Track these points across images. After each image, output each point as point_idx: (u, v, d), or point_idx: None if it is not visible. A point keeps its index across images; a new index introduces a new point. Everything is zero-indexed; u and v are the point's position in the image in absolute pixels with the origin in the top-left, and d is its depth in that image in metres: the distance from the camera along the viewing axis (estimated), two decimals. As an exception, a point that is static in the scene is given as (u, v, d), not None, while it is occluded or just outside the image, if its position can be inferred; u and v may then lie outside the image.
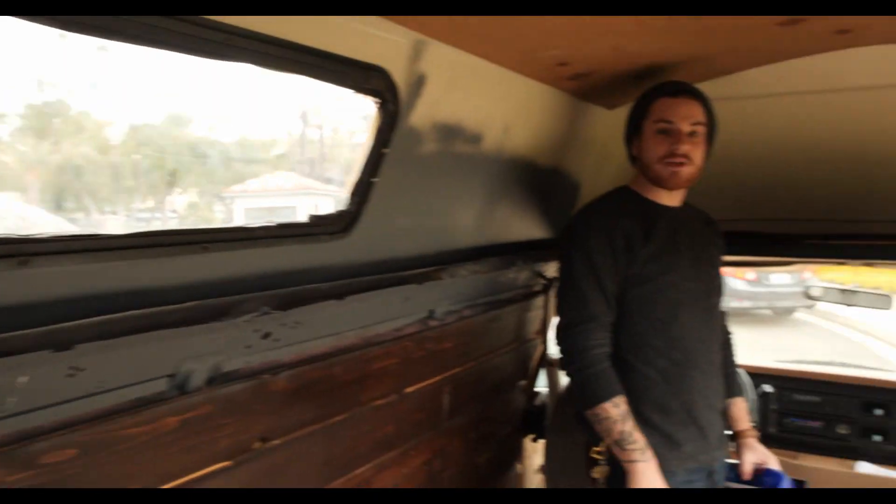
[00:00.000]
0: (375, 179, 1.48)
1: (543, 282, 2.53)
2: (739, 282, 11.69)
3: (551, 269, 2.53)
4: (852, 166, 2.41)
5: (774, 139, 2.39)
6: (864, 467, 3.01)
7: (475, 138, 1.79)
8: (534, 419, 2.71)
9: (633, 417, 1.79)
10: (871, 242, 2.40)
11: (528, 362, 2.68)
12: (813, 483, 3.08)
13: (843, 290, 3.00)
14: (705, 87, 1.99)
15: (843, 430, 3.12)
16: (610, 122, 2.44)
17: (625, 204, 1.94)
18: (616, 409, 1.77)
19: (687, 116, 1.86)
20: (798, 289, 12.28)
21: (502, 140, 1.91)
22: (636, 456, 1.77)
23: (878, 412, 3.05)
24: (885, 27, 1.81)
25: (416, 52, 1.45)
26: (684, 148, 1.84)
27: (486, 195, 1.98)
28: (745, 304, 11.94)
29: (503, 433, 2.57)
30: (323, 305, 1.44)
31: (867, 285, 11.93)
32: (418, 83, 1.50)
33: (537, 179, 2.23)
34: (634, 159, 1.99)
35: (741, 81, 2.20)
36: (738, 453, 2.09)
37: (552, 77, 1.88)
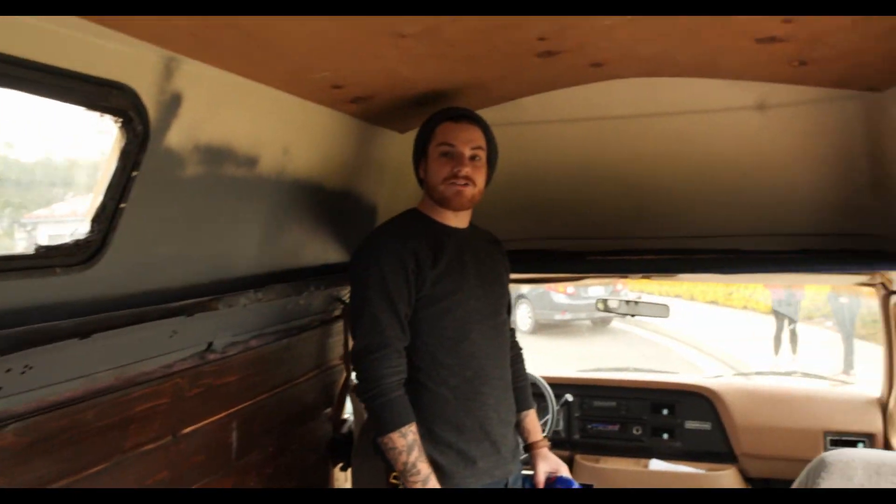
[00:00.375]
0: (123, 205, 1.37)
1: (343, 306, 2.50)
2: (561, 295, 12.44)
3: (348, 294, 2.51)
4: (622, 188, 2.63)
5: (552, 163, 2.56)
6: (656, 464, 3.28)
7: (250, 161, 1.72)
8: (341, 447, 2.65)
9: (419, 447, 1.80)
10: (644, 258, 2.63)
11: (332, 389, 2.63)
12: (612, 481, 3.31)
13: (628, 302, 3.27)
14: (486, 113, 2.09)
15: (636, 431, 3.38)
16: (403, 145, 2.48)
17: (413, 226, 1.96)
18: (403, 440, 1.78)
19: (468, 141, 1.94)
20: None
21: (283, 162, 1.86)
22: (416, 487, 1.79)
23: (665, 412, 3.34)
24: (632, 63, 2.01)
25: (168, 70, 1.37)
26: (466, 170, 1.92)
27: (269, 219, 1.91)
28: (567, 316, 12.72)
29: (308, 464, 2.49)
30: (62, 345, 1.29)
31: (672, 295, 13.13)
32: (173, 103, 1.41)
33: (329, 202, 2.20)
34: (422, 182, 2.03)
35: (518, 109, 2.33)
36: (532, 464, 2.17)
37: (331, 99, 1.87)
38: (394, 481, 1.88)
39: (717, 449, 3.23)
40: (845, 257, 2.34)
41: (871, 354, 9.95)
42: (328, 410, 2.60)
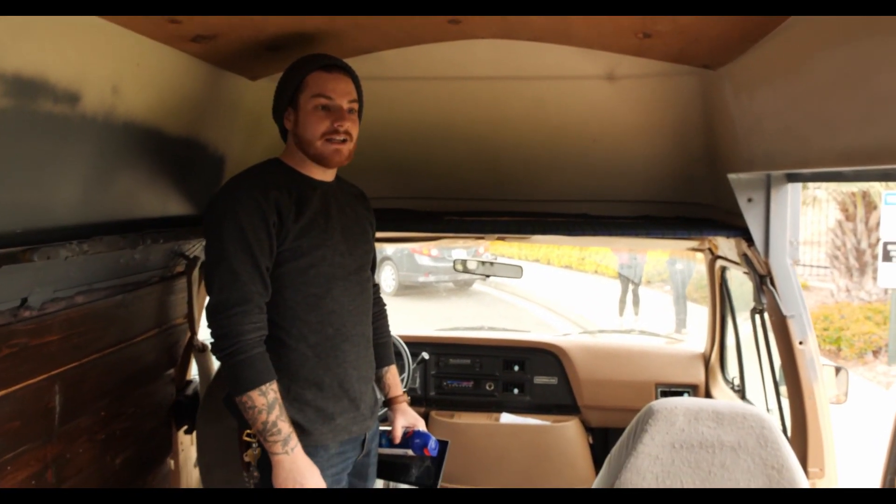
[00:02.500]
0: None
1: (186, 262, 2.35)
2: (424, 258, 12.61)
3: (195, 248, 2.36)
4: (481, 150, 2.66)
5: (412, 121, 2.53)
6: (506, 417, 3.43)
7: (70, 97, 1.54)
8: (185, 410, 2.52)
9: (280, 405, 1.75)
10: (500, 219, 2.68)
11: (175, 349, 2.48)
12: (466, 435, 3.43)
13: (483, 263, 3.35)
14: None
15: (489, 386, 3.51)
16: (256, 93, 2.35)
17: (275, 176, 1.86)
18: (263, 399, 1.72)
19: (345, 93, 1.87)
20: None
21: (112, 102, 1.69)
22: (278, 448, 1.74)
23: (516, 368, 3.48)
24: (489, 22, 2.00)
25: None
26: (346, 125, 1.85)
27: (97, 164, 1.74)
28: (430, 278, 12.93)
29: (147, 428, 2.35)
30: None
31: (531, 259, 13.70)
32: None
33: (169, 150, 2.03)
34: (285, 133, 1.93)
35: (378, 62, 2.27)
36: (390, 419, 2.19)
37: (168, 36, 1.71)
38: (247, 439, 1.82)
39: (562, 402, 3.42)
40: (680, 224, 2.52)
41: (703, 315, 10.98)
42: (171, 371, 2.45)
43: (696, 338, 8.67)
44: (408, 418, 2.19)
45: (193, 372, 2.63)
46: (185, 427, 2.56)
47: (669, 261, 10.49)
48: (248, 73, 2.23)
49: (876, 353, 8.39)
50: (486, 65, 2.35)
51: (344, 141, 1.85)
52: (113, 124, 1.72)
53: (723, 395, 3.13)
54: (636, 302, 10.78)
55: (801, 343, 2.15)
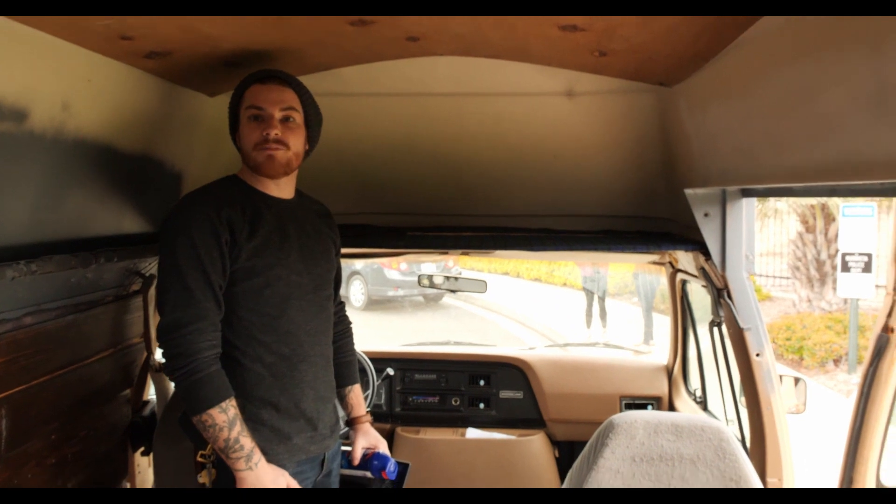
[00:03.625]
0: None
1: (142, 280, 2.30)
2: (394, 272, 12.57)
3: (151, 266, 2.32)
4: (443, 166, 2.67)
5: (374, 137, 2.53)
6: (472, 432, 3.41)
7: (16, 114, 1.51)
8: (141, 431, 2.46)
9: (241, 421, 1.72)
10: (463, 234, 2.69)
11: (131, 369, 2.42)
12: (431, 451, 3.40)
13: (448, 278, 3.35)
14: (304, 80, 1.97)
15: (455, 401, 3.49)
16: (215, 109, 2.32)
17: (229, 193, 1.84)
18: (223, 416, 1.69)
19: (277, 102, 1.84)
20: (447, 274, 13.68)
21: (62, 119, 1.66)
22: (241, 464, 1.71)
23: (482, 383, 3.48)
24: (447, 40, 2.02)
25: None
26: (275, 132, 1.81)
27: (46, 182, 1.70)
28: (400, 292, 12.89)
29: (101, 451, 2.28)
30: None
31: (500, 272, 13.73)
32: None
33: (124, 167, 2.00)
34: (239, 149, 1.91)
35: (339, 79, 2.27)
36: (352, 439, 2.15)
37: (120, 52, 1.69)
38: (202, 459, 1.79)
39: (528, 416, 3.42)
40: (640, 238, 2.55)
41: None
42: (126, 392, 2.39)
43: (663, 350, 8.80)
44: (369, 439, 2.15)
45: (151, 392, 2.57)
46: (142, 449, 2.50)
47: (635, 273, 10.62)
48: (207, 89, 2.21)
49: (836, 361, 8.58)
50: (447, 81, 2.36)
51: (276, 149, 1.82)
52: (63, 141, 1.69)
53: (685, 407, 3.17)
54: (603, 314, 10.87)
55: (757, 355, 2.18)
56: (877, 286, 8.07)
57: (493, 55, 2.17)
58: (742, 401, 2.69)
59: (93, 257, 1.87)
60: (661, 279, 10.62)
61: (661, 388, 3.32)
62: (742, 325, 2.18)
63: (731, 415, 2.59)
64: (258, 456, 1.73)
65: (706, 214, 2.20)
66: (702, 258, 2.24)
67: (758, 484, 1.86)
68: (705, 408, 3.02)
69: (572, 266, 14.43)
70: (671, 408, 3.31)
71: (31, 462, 1.91)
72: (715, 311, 2.24)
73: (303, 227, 1.95)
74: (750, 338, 2.18)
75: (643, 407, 3.33)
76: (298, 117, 1.88)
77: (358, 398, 2.21)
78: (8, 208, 1.61)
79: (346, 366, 2.19)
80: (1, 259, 1.57)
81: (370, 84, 2.36)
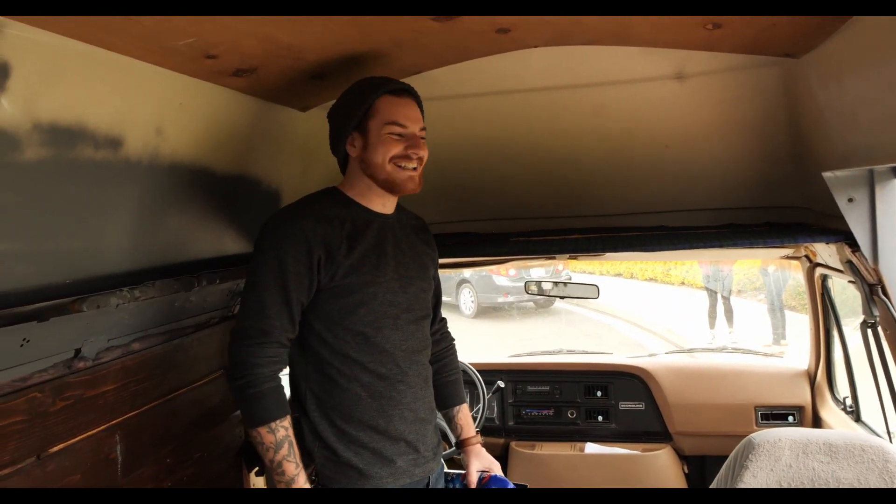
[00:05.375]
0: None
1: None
2: (503, 278, 12.42)
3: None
4: (541, 165, 2.51)
5: (467, 140, 2.42)
6: (591, 447, 3.21)
7: (112, 142, 1.51)
8: (255, 452, 2.46)
9: (290, 444, 1.67)
10: (570, 237, 2.52)
11: (241, 390, 2.43)
12: (549, 467, 3.23)
13: (556, 283, 3.17)
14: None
15: (571, 414, 3.31)
16: (307, 124, 2.30)
17: (329, 208, 1.78)
18: (271, 436, 1.66)
19: (416, 120, 1.80)
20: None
21: (156, 143, 1.66)
22: (281, 488, 1.68)
23: (599, 394, 3.27)
24: (540, 28, 1.87)
25: (-12, 35, 1.16)
26: (421, 152, 1.78)
27: (144, 208, 1.71)
28: (510, 298, 12.71)
29: (216, 472, 2.30)
30: None
31: (613, 273, 13.25)
32: (-2, 73, 1.20)
33: (221, 188, 2.00)
34: (344, 161, 1.85)
35: (428, 83, 2.16)
36: (464, 462, 2.05)
37: (208, 72, 1.67)
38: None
39: (651, 428, 3.19)
40: (769, 231, 2.28)
41: (803, 325, 10.27)
42: (238, 412, 2.40)
43: (797, 351, 8.09)
44: (482, 461, 2.04)
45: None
46: (257, 469, 2.50)
47: (762, 268, 9.88)
48: (297, 103, 2.19)
49: None
50: (541, 75, 2.22)
51: (416, 168, 1.78)
52: (158, 166, 1.69)
53: (834, 418, 2.82)
54: (728, 314, 10.18)
55: None
56: None
57: (590, 41, 1.99)
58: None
59: (195, 280, 1.87)
60: (790, 272, 9.82)
61: (803, 397, 2.98)
62: (902, 324, 1.87)
63: (893, 427, 2.25)
64: (301, 483, 1.67)
65: (850, 200, 1.91)
66: (848, 250, 1.95)
67: None
68: (858, 419, 2.66)
69: (691, 264, 13.69)
70: (815, 418, 2.96)
71: (148, 487, 1.93)
72: (867, 310, 1.94)
73: (400, 245, 1.87)
74: (913, 339, 1.87)
75: (783, 417, 3.00)
76: (425, 135, 1.84)
77: (466, 418, 2.10)
78: (109, 235, 1.63)
79: (451, 385, 2.09)
80: (105, 287, 1.58)
81: (461, 85, 2.24)
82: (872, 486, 1.61)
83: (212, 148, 1.88)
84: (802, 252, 2.65)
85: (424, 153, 1.79)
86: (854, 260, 1.95)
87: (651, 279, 15.86)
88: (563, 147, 2.46)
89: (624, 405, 3.23)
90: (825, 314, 2.78)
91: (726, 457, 3.15)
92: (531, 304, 13.83)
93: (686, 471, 3.15)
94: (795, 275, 11.10)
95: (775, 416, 3.01)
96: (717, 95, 2.19)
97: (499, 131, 2.43)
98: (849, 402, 2.70)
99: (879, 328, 1.95)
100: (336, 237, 1.72)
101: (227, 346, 1.69)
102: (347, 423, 1.75)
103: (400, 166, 1.76)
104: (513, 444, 3.34)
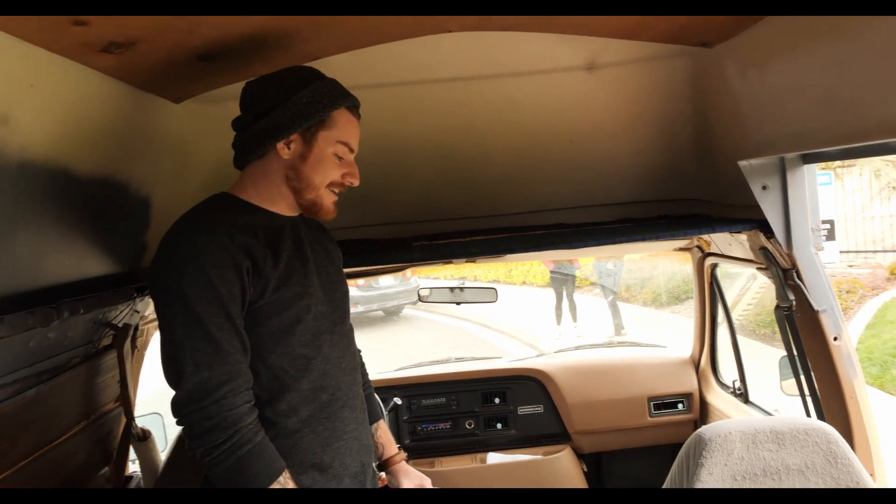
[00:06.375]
0: None
1: (114, 332, 1.89)
2: (352, 288, 12.12)
3: (124, 314, 1.91)
4: (448, 162, 2.35)
5: (369, 136, 2.17)
6: (493, 457, 3.09)
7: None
8: None
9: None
10: (476, 239, 2.36)
11: (108, 441, 2.00)
12: (451, 483, 3.06)
13: (452, 289, 3.02)
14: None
15: (469, 425, 3.16)
16: (181, 118, 1.95)
17: (236, 215, 1.48)
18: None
19: (357, 144, 1.60)
20: (402, 288, 13.34)
21: (2, 136, 1.26)
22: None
23: (497, 401, 3.16)
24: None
25: None
26: (356, 182, 1.59)
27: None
28: (360, 308, 12.47)
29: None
30: None
31: (457, 277, 13.48)
32: None
33: (82, 193, 1.60)
34: (245, 158, 1.55)
35: (327, 70, 1.92)
36: (393, 483, 1.85)
37: (71, 45, 1.30)
38: None
39: (551, 431, 3.13)
40: (678, 223, 2.28)
41: (636, 317, 11.08)
42: (105, 470, 1.97)
43: (634, 339, 8.65)
44: (412, 479, 1.86)
45: (133, 465, 2.15)
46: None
47: (597, 263, 10.50)
48: (172, 92, 1.83)
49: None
50: (451, 64, 2.05)
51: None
52: (4, 165, 1.29)
53: (721, 401, 2.93)
54: (573, 309, 10.71)
55: (835, 339, 1.94)
56: (841, 252, 8.15)
57: (512, 27, 1.86)
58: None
59: (54, 312, 1.46)
60: (624, 266, 10.55)
61: (691, 384, 3.08)
62: (816, 306, 1.93)
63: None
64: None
65: (765, 187, 1.95)
66: (762, 237, 1.99)
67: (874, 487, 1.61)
68: (746, 400, 2.78)
69: (532, 264, 14.29)
70: (703, 404, 3.07)
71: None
72: (782, 295, 1.99)
73: (314, 247, 1.62)
74: (826, 320, 1.94)
75: (673, 406, 3.08)
76: None
77: (387, 435, 1.90)
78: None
79: (369, 400, 1.86)
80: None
81: (362, 74, 2.01)
82: (819, 468, 1.62)
83: (72, 144, 1.49)
84: (695, 243, 2.72)
85: (358, 181, 1.60)
86: (769, 246, 1.99)
87: (494, 280, 16.35)
88: (468, 144, 2.31)
89: (523, 409, 3.15)
90: (712, 302, 2.88)
91: (621, 451, 3.22)
92: (380, 312, 13.67)
93: (585, 469, 3.13)
94: (628, 268, 11.96)
95: (665, 405, 3.08)
96: (625, 87, 2.16)
97: (399, 126, 2.22)
98: (737, 384, 2.81)
99: (795, 312, 2.00)
100: (257, 247, 1.43)
101: (184, 411, 1.35)
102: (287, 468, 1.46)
103: (333, 192, 1.56)
104: (410, 462, 3.13)
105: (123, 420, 2.02)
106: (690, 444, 1.70)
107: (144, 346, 2.20)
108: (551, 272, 10.99)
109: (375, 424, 1.86)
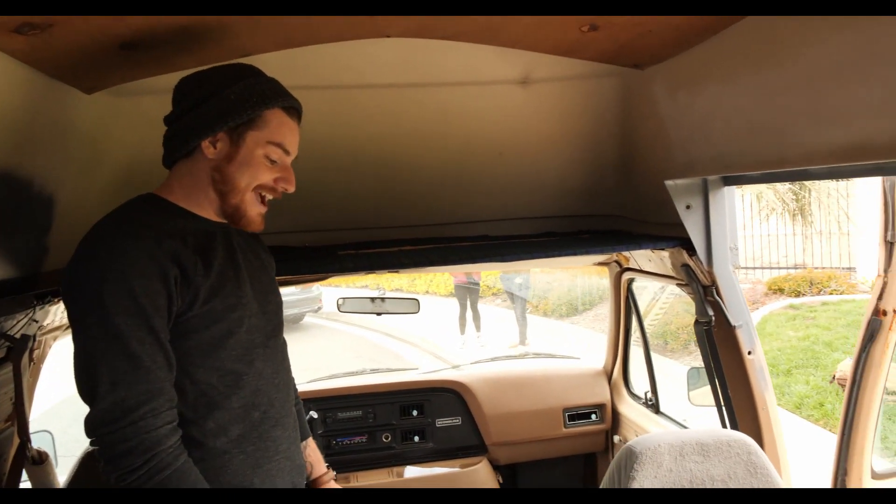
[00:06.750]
0: None
1: (10, 344, 1.70)
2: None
3: (21, 325, 1.72)
4: (375, 171, 2.30)
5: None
6: (411, 471, 3.04)
7: None
8: None
9: None
10: (403, 249, 2.32)
11: (-3, 465, 1.80)
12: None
13: (374, 299, 2.95)
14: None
15: (386, 438, 3.10)
16: (92, 110, 1.79)
17: (165, 219, 1.36)
18: None
19: (296, 149, 1.48)
20: (303, 296, 13.02)
21: None
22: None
23: (414, 413, 3.11)
24: (405, 19, 1.66)
25: None
26: (290, 188, 1.47)
27: None
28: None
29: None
30: None
31: (359, 286, 13.27)
32: None
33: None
34: (174, 158, 1.43)
35: (261, 68, 1.82)
36: None
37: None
38: None
39: (468, 443, 3.12)
40: (588, 240, 2.33)
41: (537, 327, 11.35)
42: (-8, 497, 1.76)
43: (535, 350, 8.85)
44: None
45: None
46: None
47: (504, 276, 10.68)
48: (84, 82, 1.68)
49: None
50: (387, 70, 2.01)
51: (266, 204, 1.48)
52: None
53: (632, 412, 3.03)
54: (476, 318, 10.82)
55: (749, 353, 2.04)
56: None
57: (454, 36, 1.84)
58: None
59: (-55, 322, 1.29)
60: (530, 279, 10.78)
61: (603, 395, 3.16)
62: (733, 322, 2.03)
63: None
64: None
65: (688, 207, 2.03)
66: (685, 254, 2.06)
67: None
68: (657, 411, 2.89)
69: (436, 274, 14.34)
70: (615, 414, 3.16)
71: None
72: (701, 310, 2.07)
73: (246, 255, 1.53)
74: (742, 335, 2.04)
75: (587, 417, 3.15)
76: None
77: (316, 453, 1.81)
78: None
79: (298, 417, 1.77)
80: None
81: (293, 74, 1.91)
82: (740, 478, 1.69)
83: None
84: (613, 258, 2.79)
85: (293, 187, 1.48)
86: (690, 263, 2.07)
87: (398, 289, 16.26)
88: (398, 152, 2.27)
89: (441, 422, 3.12)
90: (626, 316, 2.97)
91: (535, 462, 3.25)
92: (281, 320, 13.24)
93: (500, 481, 3.14)
94: (536, 279, 12.24)
95: (580, 416, 3.14)
96: (556, 104, 2.19)
97: (329, 131, 2.15)
98: (649, 395, 2.91)
99: (713, 327, 2.08)
100: (186, 254, 1.33)
101: (99, 432, 1.23)
102: None
103: (261, 197, 1.45)
104: (325, 478, 3.02)
105: (16, 441, 1.81)
106: (621, 457, 1.73)
107: (42, 359, 2.00)
108: (455, 283, 11.06)
109: (304, 442, 1.77)
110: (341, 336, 12.57)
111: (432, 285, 15.37)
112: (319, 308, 14.23)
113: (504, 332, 10.85)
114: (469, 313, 10.83)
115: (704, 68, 1.76)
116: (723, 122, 1.77)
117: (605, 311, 11.69)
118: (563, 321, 12.17)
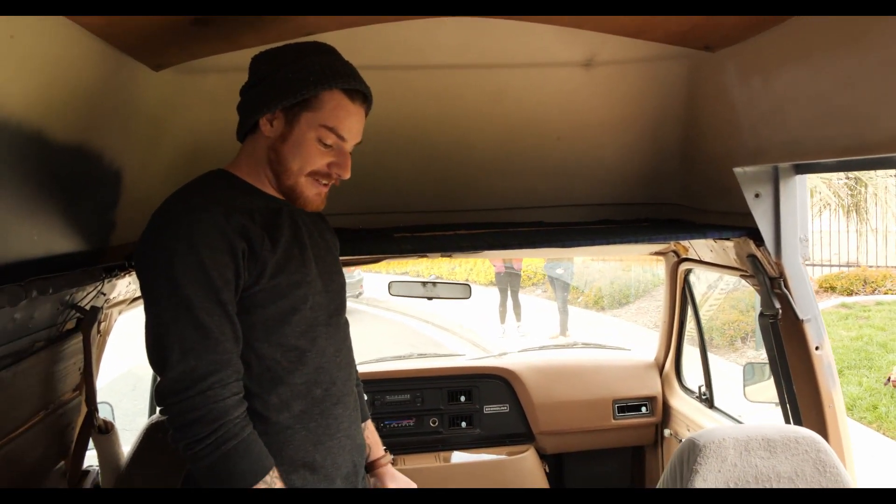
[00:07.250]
0: None
1: (80, 315, 1.74)
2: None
3: (91, 297, 1.76)
4: (431, 154, 2.28)
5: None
6: (458, 456, 3.04)
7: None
8: None
9: None
10: (459, 233, 2.29)
11: (66, 434, 1.84)
12: (415, 483, 2.98)
13: (425, 283, 2.95)
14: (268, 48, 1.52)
15: (433, 422, 3.10)
16: (158, 88, 1.81)
17: (232, 195, 1.37)
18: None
19: (357, 135, 1.44)
20: (346, 280, 13.15)
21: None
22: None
23: (462, 399, 3.10)
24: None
25: None
26: (346, 174, 1.43)
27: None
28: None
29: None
30: None
31: (399, 271, 13.36)
32: None
33: (54, 162, 1.46)
34: (241, 130, 1.45)
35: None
36: (377, 486, 1.77)
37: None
38: None
39: (515, 430, 3.10)
40: (648, 229, 2.27)
41: (579, 319, 11.26)
42: (62, 464, 1.81)
43: (581, 340, 8.77)
44: (399, 483, 1.79)
45: (91, 459, 1.99)
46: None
47: (548, 265, 10.59)
48: (153, 58, 1.70)
49: (744, 339, 8.93)
50: (446, 50, 1.99)
51: (326, 185, 1.44)
52: None
53: (685, 406, 2.96)
54: (517, 308, 10.78)
55: (817, 348, 1.97)
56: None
57: (515, 14, 1.80)
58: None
59: (22, 291, 1.32)
60: (573, 270, 10.67)
61: (655, 387, 3.10)
62: (801, 316, 1.95)
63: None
64: None
65: (757, 195, 1.95)
66: (752, 244, 2.00)
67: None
68: (711, 406, 2.82)
69: (476, 261, 14.31)
70: (665, 408, 3.10)
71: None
72: (768, 303, 2.00)
73: (311, 234, 1.53)
74: (809, 330, 1.96)
75: (637, 409, 3.09)
76: None
77: (374, 436, 1.82)
78: None
79: (358, 398, 1.78)
80: None
81: (355, 54, 1.91)
82: (808, 476, 1.64)
83: (48, 105, 1.35)
84: (671, 247, 2.73)
85: (348, 175, 1.45)
86: (758, 254, 2.00)
87: (437, 277, 16.30)
88: (454, 135, 2.24)
89: (489, 409, 3.10)
90: (682, 307, 2.91)
91: (582, 453, 3.21)
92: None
93: (547, 470, 3.11)
94: (578, 270, 12.13)
95: (629, 408, 3.09)
96: (620, 87, 2.13)
97: (384, 112, 2.13)
98: (703, 389, 2.85)
99: (779, 321, 2.02)
100: (254, 229, 1.34)
101: (168, 401, 1.25)
102: (275, 464, 1.36)
103: (316, 181, 1.42)
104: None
105: (83, 410, 1.86)
106: (683, 450, 1.69)
107: (108, 332, 2.05)
108: (496, 272, 11.02)
109: (363, 424, 1.78)
110: (381, 322, 12.67)
111: (472, 273, 15.34)
112: (360, 293, 14.36)
113: (544, 323, 10.79)
114: (510, 302, 10.79)
115: (780, 51, 1.69)
116: (798, 106, 1.70)
117: (647, 304, 11.52)
118: (605, 314, 12.05)
